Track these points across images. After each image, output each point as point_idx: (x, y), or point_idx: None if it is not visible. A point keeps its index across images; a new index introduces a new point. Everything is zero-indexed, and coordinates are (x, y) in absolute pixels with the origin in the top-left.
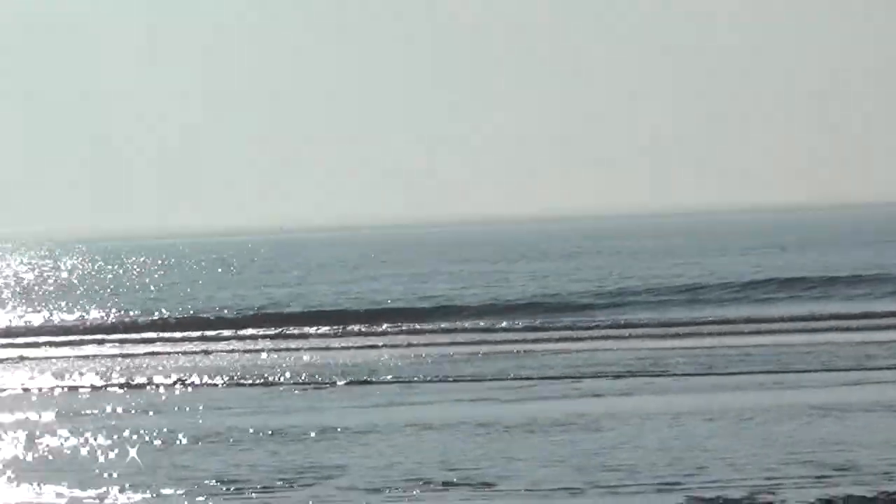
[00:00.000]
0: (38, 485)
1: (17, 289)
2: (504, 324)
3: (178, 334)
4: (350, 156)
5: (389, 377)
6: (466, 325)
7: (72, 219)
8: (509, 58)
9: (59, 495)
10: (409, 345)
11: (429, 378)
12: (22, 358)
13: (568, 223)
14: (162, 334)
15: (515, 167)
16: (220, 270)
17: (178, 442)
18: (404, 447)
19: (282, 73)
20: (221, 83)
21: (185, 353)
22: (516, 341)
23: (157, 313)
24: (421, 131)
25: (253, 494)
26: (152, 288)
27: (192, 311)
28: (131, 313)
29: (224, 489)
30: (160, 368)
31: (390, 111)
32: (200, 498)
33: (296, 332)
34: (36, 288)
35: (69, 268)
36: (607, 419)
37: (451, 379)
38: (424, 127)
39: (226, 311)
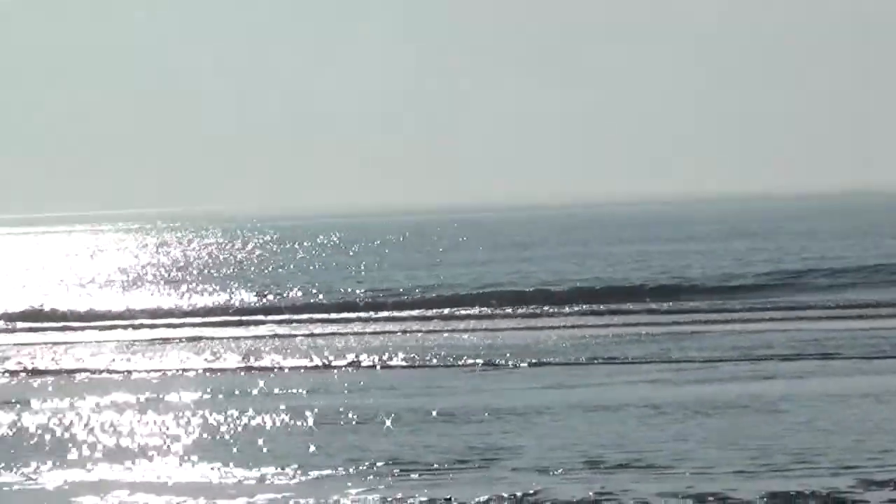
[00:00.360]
0: (210, 463)
1: (212, 267)
2: (669, 305)
3: (352, 314)
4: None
5: (559, 358)
6: (631, 306)
7: (247, 198)
8: None
9: (229, 475)
10: (575, 326)
11: (598, 360)
12: (198, 338)
13: (708, 205)
14: (337, 315)
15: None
16: (392, 249)
17: (349, 422)
18: (576, 428)
19: None
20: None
21: (358, 333)
22: (686, 322)
23: (336, 293)
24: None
25: (425, 475)
26: (334, 265)
27: (365, 292)
28: (312, 291)
29: (396, 471)
30: (335, 348)
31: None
32: (372, 478)
33: (467, 312)
34: (216, 267)
35: (249, 247)
36: (782, 402)
37: (620, 360)
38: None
39: (401, 291)
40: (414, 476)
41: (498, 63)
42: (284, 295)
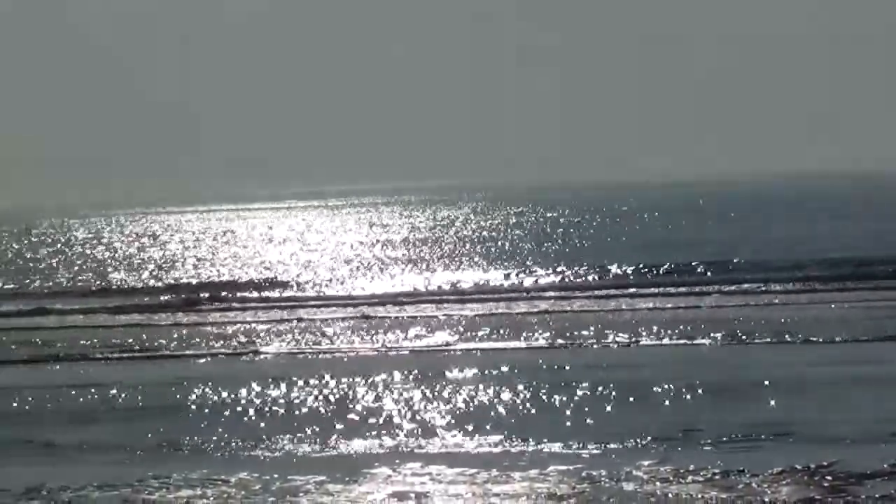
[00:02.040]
0: (505, 435)
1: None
2: None
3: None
4: None
5: None
6: None
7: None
8: None
9: (521, 446)
10: None
11: None
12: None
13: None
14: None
15: None
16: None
17: (663, 394)
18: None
19: None
20: None
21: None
22: None
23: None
24: None
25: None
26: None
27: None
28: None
29: (682, 442)
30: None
31: None
32: (663, 449)
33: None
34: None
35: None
36: None
37: None
38: None
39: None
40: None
41: None
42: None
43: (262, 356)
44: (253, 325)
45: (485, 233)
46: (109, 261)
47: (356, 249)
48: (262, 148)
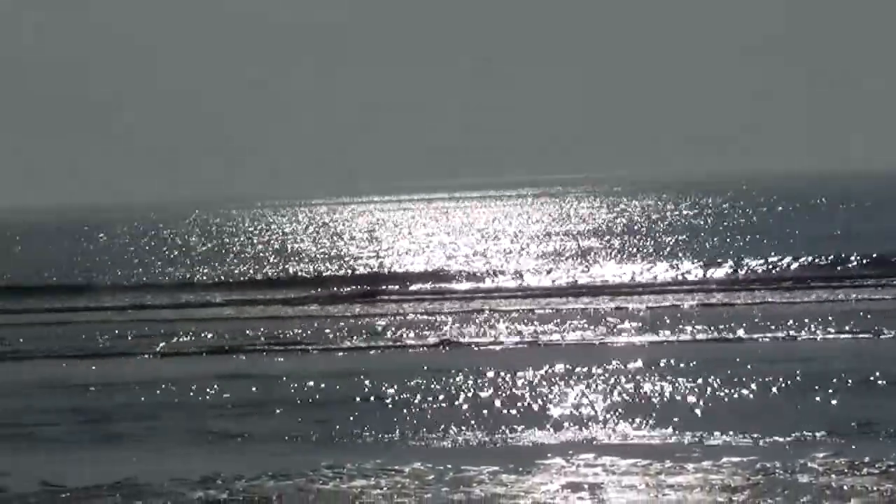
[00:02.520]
0: (677, 427)
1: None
2: None
3: None
4: None
5: None
6: None
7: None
8: None
9: (694, 438)
10: None
11: None
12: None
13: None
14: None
15: None
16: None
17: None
18: None
19: None
20: None
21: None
22: None
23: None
24: None
25: None
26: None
27: None
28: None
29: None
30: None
31: None
32: (843, 441)
33: None
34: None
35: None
36: None
37: None
38: None
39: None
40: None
41: None
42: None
43: (437, 348)
44: (433, 315)
45: (668, 224)
46: (306, 250)
47: (545, 241)
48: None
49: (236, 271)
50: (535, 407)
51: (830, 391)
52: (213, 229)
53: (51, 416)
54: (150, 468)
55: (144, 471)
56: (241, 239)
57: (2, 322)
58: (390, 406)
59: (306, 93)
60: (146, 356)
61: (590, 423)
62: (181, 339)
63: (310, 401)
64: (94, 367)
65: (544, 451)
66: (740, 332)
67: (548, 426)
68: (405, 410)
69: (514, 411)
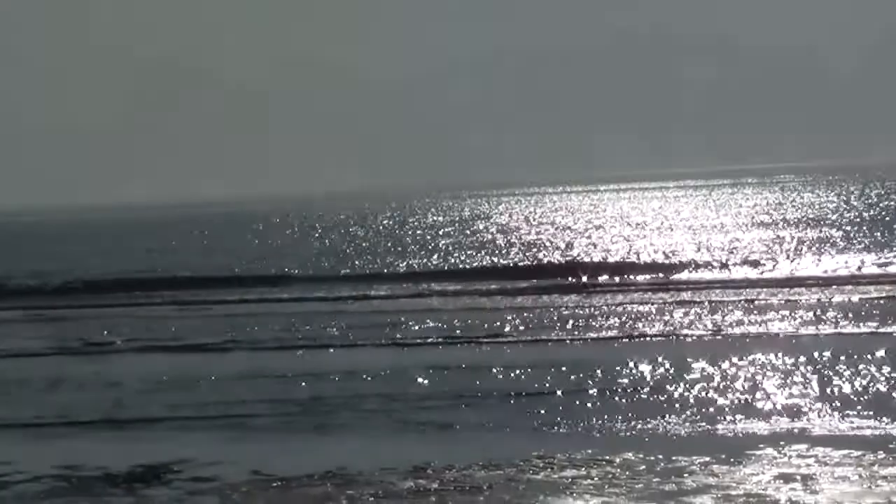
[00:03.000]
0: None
1: None
2: None
3: None
4: None
5: None
6: None
7: None
8: None
9: None
10: None
11: None
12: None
13: None
14: None
15: None
16: None
17: None
18: None
19: None
20: None
21: None
22: None
23: None
24: None
25: None
26: None
27: None
28: None
29: None
30: None
31: None
32: None
33: None
34: None
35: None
36: None
37: None
38: None
39: None
40: None
41: None
42: None
43: (644, 338)
44: (644, 305)
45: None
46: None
47: (770, 229)
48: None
49: (466, 259)
50: (748, 398)
51: None
52: (443, 217)
53: (260, 406)
54: (361, 458)
55: (355, 460)
56: (483, 226)
57: (224, 312)
58: (594, 396)
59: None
60: (368, 345)
61: (802, 414)
62: (413, 328)
63: (522, 391)
64: (299, 356)
65: (755, 441)
66: None
67: (760, 416)
68: (611, 400)
69: (725, 401)
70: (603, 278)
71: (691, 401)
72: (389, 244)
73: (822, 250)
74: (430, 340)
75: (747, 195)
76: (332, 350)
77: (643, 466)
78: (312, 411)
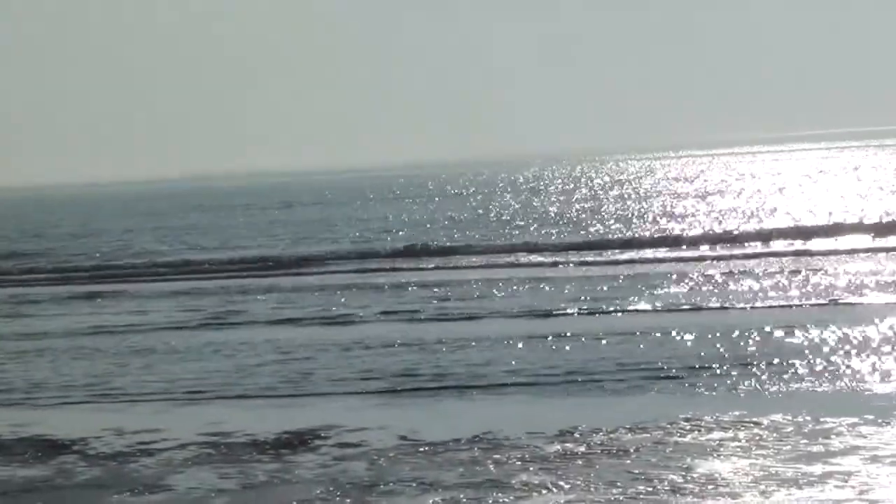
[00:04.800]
0: None
1: None
2: None
3: None
4: None
5: None
6: None
7: None
8: None
9: None
10: None
11: None
12: None
13: None
14: None
15: None
16: None
17: None
18: None
19: None
20: None
21: None
22: None
23: None
24: None
25: None
26: None
27: None
28: None
29: None
30: None
31: None
32: None
33: None
34: None
35: None
36: None
37: None
38: None
39: None
40: None
41: None
42: None
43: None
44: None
45: None
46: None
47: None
48: None
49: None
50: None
51: None
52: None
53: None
54: (509, 421)
55: (502, 424)
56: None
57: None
58: (752, 360)
59: None
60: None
61: None
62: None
63: (663, 357)
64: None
65: None
66: None
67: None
68: (768, 364)
69: (878, 362)
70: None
71: (843, 361)
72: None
73: None
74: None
75: None
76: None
77: (791, 428)
78: (455, 376)
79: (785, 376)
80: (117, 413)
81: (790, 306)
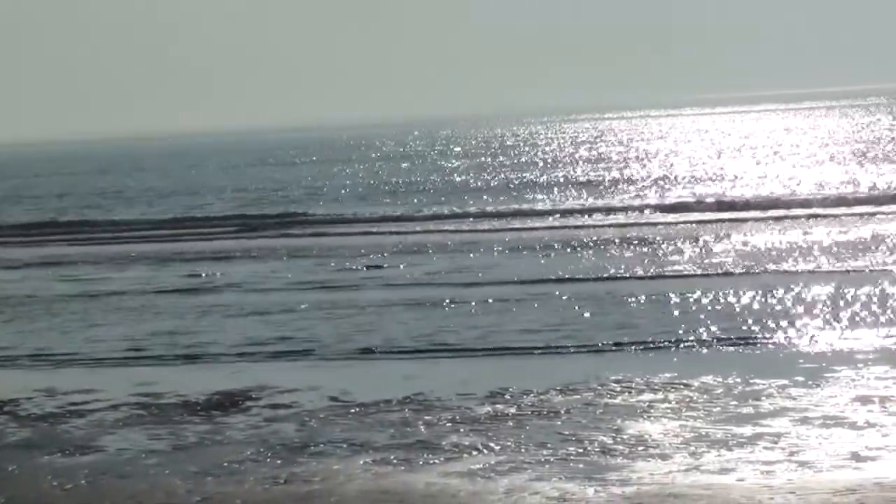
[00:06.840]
0: None
1: None
2: None
3: None
4: None
5: None
6: None
7: None
8: None
9: None
10: None
11: None
12: None
13: None
14: None
15: None
16: None
17: None
18: None
19: None
20: None
21: None
22: None
23: None
24: None
25: None
26: None
27: None
28: None
29: None
30: None
31: None
32: None
33: None
34: None
35: None
36: None
37: None
38: None
39: None
40: None
41: None
42: None
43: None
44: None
45: None
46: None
47: None
48: None
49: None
50: (833, 320)
51: None
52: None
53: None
54: (437, 383)
55: (432, 386)
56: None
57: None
58: (691, 317)
59: None
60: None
61: (884, 335)
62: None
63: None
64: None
65: (833, 362)
66: None
67: (841, 338)
68: (701, 322)
69: (809, 323)
70: None
71: (778, 320)
72: None
73: None
74: None
75: None
76: None
77: (721, 390)
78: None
79: (707, 339)
80: (48, 374)
81: (689, 275)
